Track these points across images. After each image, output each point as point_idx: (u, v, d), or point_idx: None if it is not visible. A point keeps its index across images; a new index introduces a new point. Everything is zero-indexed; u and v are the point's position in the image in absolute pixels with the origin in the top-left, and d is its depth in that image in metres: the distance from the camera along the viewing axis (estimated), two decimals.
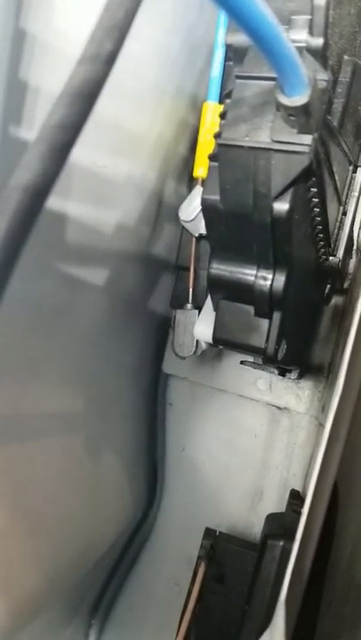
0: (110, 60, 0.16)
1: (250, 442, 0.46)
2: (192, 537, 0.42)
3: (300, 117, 0.21)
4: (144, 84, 0.34)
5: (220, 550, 0.40)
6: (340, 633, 0.42)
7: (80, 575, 0.42)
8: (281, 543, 0.35)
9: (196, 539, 0.40)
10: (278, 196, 0.24)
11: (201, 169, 0.39)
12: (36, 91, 0.24)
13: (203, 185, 0.39)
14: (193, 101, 0.39)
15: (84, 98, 0.16)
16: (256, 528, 0.45)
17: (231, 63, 0.36)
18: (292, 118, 0.22)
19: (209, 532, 0.41)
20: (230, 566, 0.39)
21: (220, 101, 0.38)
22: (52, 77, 0.23)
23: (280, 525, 0.37)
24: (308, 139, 0.22)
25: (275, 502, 0.45)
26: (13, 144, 0.24)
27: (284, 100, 0.20)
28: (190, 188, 0.41)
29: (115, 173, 0.33)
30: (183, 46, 0.36)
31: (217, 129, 0.25)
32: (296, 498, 0.40)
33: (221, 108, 0.32)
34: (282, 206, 0.24)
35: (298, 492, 0.41)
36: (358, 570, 0.43)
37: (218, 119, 0.26)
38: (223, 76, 0.38)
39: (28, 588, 0.33)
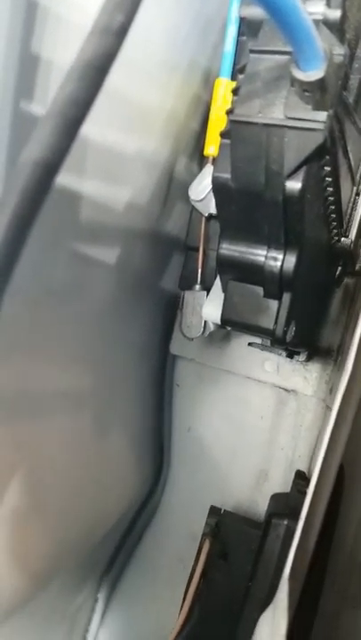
0: (121, 32, 0.16)
1: (256, 423, 0.46)
2: (197, 515, 0.42)
3: (316, 93, 0.21)
4: (155, 59, 0.33)
5: (225, 528, 0.40)
6: (342, 611, 0.43)
7: (88, 548, 0.42)
8: (285, 522, 0.35)
9: (201, 517, 0.41)
10: (291, 175, 0.24)
11: (212, 147, 0.39)
12: (48, 64, 0.24)
13: (213, 163, 0.39)
14: (206, 77, 0.38)
15: (96, 71, 0.16)
16: (261, 507, 0.45)
17: (245, 38, 0.36)
18: (306, 94, 0.21)
19: (214, 511, 0.41)
20: (234, 544, 0.40)
21: (233, 78, 0.37)
22: (65, 50, 0.23)
23: (285, 505, 0.37)
24: (322, 115, 0.22)
25: (280, 483, 0.45)
26: (25, 118, 0.24)
27: (299, 75, 0.20)
28: (201, 166, 0.41)
29: (125, 149, 0.32)
30: (196, 20, 0.35)
31: (229, 105, 0.25)
32: (301, 478, 0.40)
33: (234, 84, 0.32)
34: (294, 185, 0.24)
35: (303, 472, 0.41)
36: None
37: (230, 96, 0.25)
38: (236, 51, 0.37)
39: (40, 556, 0.33)
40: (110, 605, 0.50)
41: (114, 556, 0.48)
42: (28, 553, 0.33)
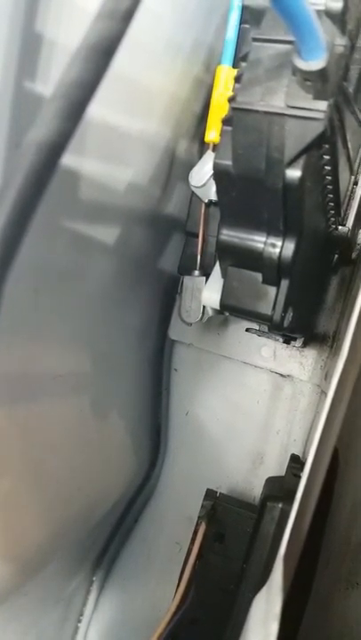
0: (128, 16, 0.16)
1: (252, 408, 0.46)
2: (193, 498, 0.43)
3: (317, 83, 0.21)
4: (160, 41, 0.33)
5: (221, 511, 0.41)
6: (334, 592, 0.44)
7: (85, 530, 0.43)
8: (280, 505, 0.36)
9: (197, 499, 0.41)
10: (291, 163, 0.24)
11: (213, 133, 0.39)
12: (51, 44, 0.24)
13: (214, 150, 0.39)
14: (209, 61, 0.38)
15: (102, 54, 0.16)
16: (256, 490, 0.46)
17: (247, 26, 0.36)
18: (307, 83, 0.21)
19: (210, 493, 0.42)
20: (230, 526, 0.41)
21: (235, 65, 0.37)
22: (68, 31, 0.23)
23: (280, 488, 0.38)
24: (323, 105, 0.22)
25: (275, 466, 0.46)
26: (28, 97, 0.24)
27: (301, 65, 0.20)
28: (202, 152, 0.41)
29: (127, 130, 0.32)
30: (200, 3, 0.35)
31: (231, 93, 0.25)
32: (296, 462, 0.41)
33: (235, 72, 0.32)
34: (294, 173, 0.24)
35: (298, 456, 0.42)
36: (355, 532, 0.44)
37: (232, 83, 0.26)
38: (238, 39, 0.37)
39: (37, 538, 0.34)
40: (105, 588, 0.50)
41: (110, 538, 0.49)
42: (26, 534, 0.33)
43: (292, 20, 0.18)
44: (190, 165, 0.40)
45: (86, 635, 0.49)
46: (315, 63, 0.20)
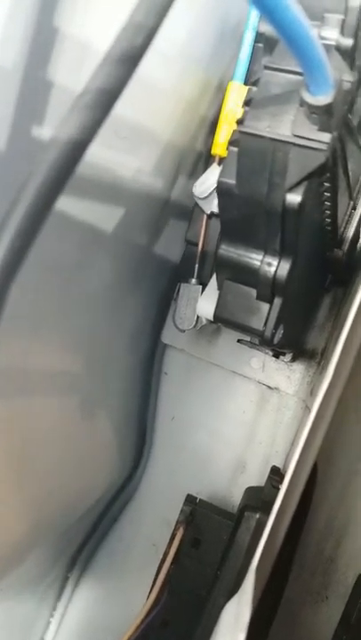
0: (152, 32, 0.17)
1: (238, 417, 0.47)
2: (173, 502, 0.43)
3: (322, 116, 0.22)
4: (175, 46, 0.33)
5: (199, 516, 0.41)
6: (304, 605, 0.45)
7: (64, 526, 0.43)
8: (257, 515, 0.37)
9: (176, 504, 0.42)
10: (292, 188, 0.25)
11: (219, 147, 0.40)
12: (64, 37, 0.24)
13: (219, 163, 0.40)
14: (223, 76, 0.39)
15: (128, 63, 0.17)
16: (235, 499, 0.47)
17: (261, 45, 0.37)
18: (313, 116, 0.22)
19: (190, 499, 0.42)
20: (207, 533, 0.41)
21: (246, 82, 0.38)
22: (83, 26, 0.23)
23: (258, 498, 0.39)
24: (327, 137, 0.23)
25: (256, 476, 0.46)
26: (37, 91, 0.24)
27: (309, 99, 0.21)
28: (207, 163, 0.42)
29: (137, 133, 0.33)
30: (218, 20, 0.36)
31: (240, 114, 0.26)
32: (276, 474, 0.41)
33: (245, 89, 0.33)
34: (294, 198, 0.25)
35: (278, 468, 0.43)
36: (328, 545, 0.45)
37: (241, 100, 0.26)
38: (251, 56, 0.38)
39: (15, 534, 0.34)
40: (80, 585, 0.51)
41: (88, 536, 0.49)
42: (5, 529, 0.34)
43: (302, 58, 0.19)
44: (195, 176, 0.40)
45: (58, 630, 0.50)
46: (322, 98, 0.21)
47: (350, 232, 0.35)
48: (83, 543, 0.49)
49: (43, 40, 0.23)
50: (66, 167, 0.17)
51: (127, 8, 0.17)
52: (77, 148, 0.17)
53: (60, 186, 0.17)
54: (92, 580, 0.51)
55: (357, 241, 0.37)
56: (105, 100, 0.17)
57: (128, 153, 0.33)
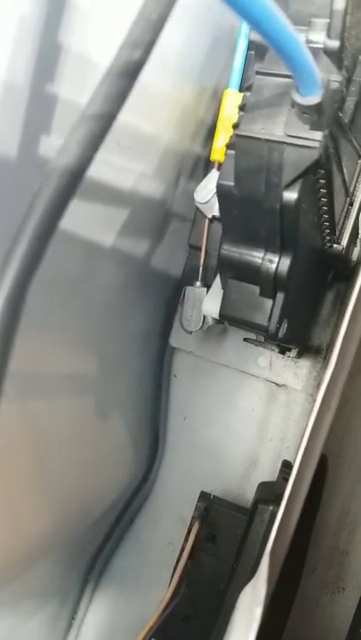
0: (148, 49, 0.18)
1: (248, 415, 0.48)
2: (188, 500, 0.44)
3: (313, 115, 0.23)
4: (170, 53, 0.34)
5: (214, 512, 0.42)
6: (321, 597, 0.45)
7: (83, 527, 0.44)
8: (270, 508, 0.37)
9: (191, 502, 0.43)
10: (288, 186, 0.26)
11: (218, 151, 0.41)
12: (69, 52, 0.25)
13: (219, 169, 0.41)
14: (218, 84, 0.40)
15: (126, 80, 0.18)
16: (248, 494, 0.47)
17: (253, 52, 0.38)
18: (305, 115, 0.24)
19: (204, 495, 0.43)
20: (222, 528, 0.42)
21: (241, 89, 0.40)
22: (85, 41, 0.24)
23: (271, 492, 0.40)
24: (318, 135, 0.24)
25: (268, 472, 0.47)
26: (43, 100, 0.25)
27: (299, 99, 0.22)
28: (207, 169, 0.43)
29: (139, 142, 0.34)
30: (210, 30, 0.37)
31: (235, 119, 0.27)
32: (287, 467, 0.42)
33: (240, 96, 0.34)
34: (291, 195, 0.26)
35: (289, 461, 0.44)
36: (343, 538, 0.45)
37: (237, 108, 0.28)
38: (245, 64, 0.40)
39: (39, 530, 0.35)
40: (100, 586, 0.51)
41: (106, 538, 0.50)
42: (30, 525, 0.35)
43: (290, 63, 0.20)
44: (195, 182, 0.42)
45: (79, 632, 0.51)
46: (311, 98, 0.22)
47: (348, 227, 0.36)
48: (101, 545, 0.50)
49: (48, 56, 0.24)
50: (75, 175, 0.18)
51: (125, 24, 0.18)
52: (85, 157, 0.18)
53: (69, 194, 0.18)
54: (111, 581, 0.51)
55: (356, 236, 0.38)
56: (108, 110, 0.18)
57: (131, 162, 0.35)
